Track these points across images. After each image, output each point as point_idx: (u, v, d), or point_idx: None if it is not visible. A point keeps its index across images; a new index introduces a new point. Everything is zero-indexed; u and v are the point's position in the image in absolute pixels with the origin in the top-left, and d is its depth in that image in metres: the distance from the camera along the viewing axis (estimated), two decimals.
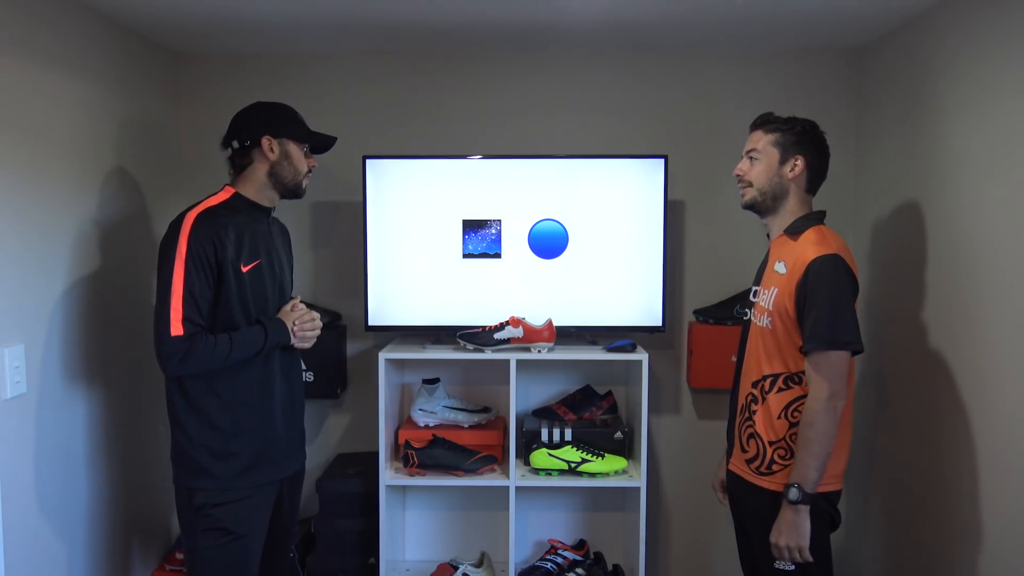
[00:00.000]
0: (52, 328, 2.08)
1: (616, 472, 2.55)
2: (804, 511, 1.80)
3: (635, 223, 2.62)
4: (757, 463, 1.93)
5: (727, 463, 2.09)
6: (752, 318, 2.00)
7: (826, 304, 1.79)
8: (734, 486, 2.06)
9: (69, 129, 2.16)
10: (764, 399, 1.91)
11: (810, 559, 1.82)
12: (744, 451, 1.98)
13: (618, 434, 2.63)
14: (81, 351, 2.21)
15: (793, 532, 1.81)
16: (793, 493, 1.80)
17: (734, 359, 2.09)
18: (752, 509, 1.96)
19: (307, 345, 2.07)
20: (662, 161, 2.59)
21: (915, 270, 2.31)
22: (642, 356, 2.49)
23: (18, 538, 1.94)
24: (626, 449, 2.63)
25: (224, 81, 2.82)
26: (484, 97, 2.83)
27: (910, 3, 2.20)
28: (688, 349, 2.80)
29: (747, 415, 1.97)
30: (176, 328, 1.82)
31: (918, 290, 2.30)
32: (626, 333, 2.66)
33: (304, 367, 2.62)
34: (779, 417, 1.88)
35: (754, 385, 1.95)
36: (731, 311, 2.69)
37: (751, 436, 1.95)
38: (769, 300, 1.91)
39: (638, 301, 2.64)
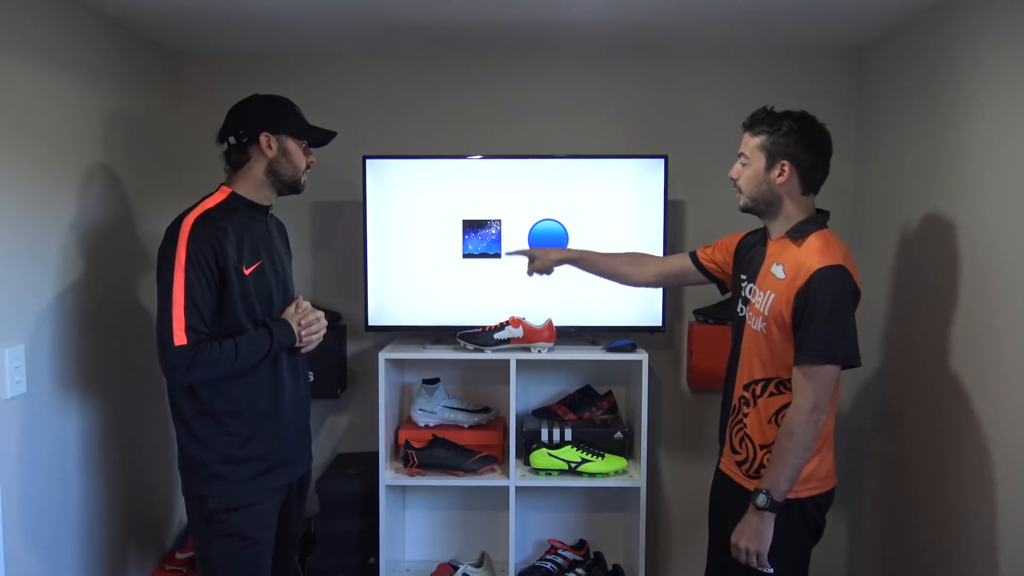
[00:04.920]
0: (53, 328, 2.08)
1: (616, 472, 2.55)
2: (769, 518, 1.78)
3: (635, 223, 2.62)
4: (747, 466, 1.90)
5: (718, 463, 2.05)
6: (747, 318, 1.95)
7: (826, 317, 1.73)
8: (721, 485, 2.02)
9: (69, 128, 2.16)
10: (755, 403, 1.89)
11: (767, 567, 1.79)
12: (735, 452, 1.94)
13: (618, 434, 2.63)
14: (81, 351, 2.20)
15: (755, 537, 1.79)
16: (761, 499, 1.77)
17: None
18: (740, 510, 1.89)
19: (311, 347, 2.02)
20: (662, 161, 2.60)
21: (920, 273, 2.30)
22: (642, 356, 2.49)
23: (18, 537, 1.94)
24: (626, 449, 2.63)
25: (223, 80, 2.81)
26: (484, 97, 2.83)
27: (912, 0, 2.20)
28: (688, 349, 2.80)
29: (738, 416, 1.94)
30: (179, 338, 1.76)
31: (924, 295, 2.28)
32: (626, 333, 2.66)
33: None
34: (770, 422, 1.85)
35: (746, 388, 1.91)
36: (731, 311, 2.68)
37: (743, 439, 1.92)
38: (765, 305, 1.85)
39: (638, 301, 2.64)
